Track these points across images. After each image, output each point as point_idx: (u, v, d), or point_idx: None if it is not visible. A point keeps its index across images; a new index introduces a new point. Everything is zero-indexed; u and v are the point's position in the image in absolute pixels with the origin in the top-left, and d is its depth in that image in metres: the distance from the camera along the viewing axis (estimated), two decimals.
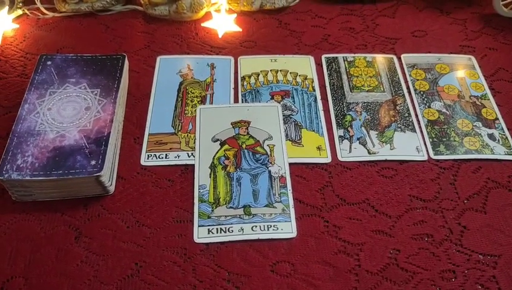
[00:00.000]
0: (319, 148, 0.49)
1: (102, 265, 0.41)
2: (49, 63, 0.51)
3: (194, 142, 0.49)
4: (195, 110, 0.52)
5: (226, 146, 0.49)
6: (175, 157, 0.48)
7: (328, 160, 0.49)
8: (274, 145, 0.49)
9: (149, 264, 0.41)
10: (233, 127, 0.50)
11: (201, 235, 0.43)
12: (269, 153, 0.48)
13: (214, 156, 0.48)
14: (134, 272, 0.41)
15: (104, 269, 0.41)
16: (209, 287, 0.40)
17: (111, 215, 0.44)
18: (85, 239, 0.42)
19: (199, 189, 0.46)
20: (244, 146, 0.49)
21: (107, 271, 0.41)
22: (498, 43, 0.61)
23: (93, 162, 0.43)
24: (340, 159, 0.49)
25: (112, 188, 0.45)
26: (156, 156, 0.48)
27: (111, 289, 0.40)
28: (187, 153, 0.48)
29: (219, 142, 0.49)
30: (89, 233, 0.43)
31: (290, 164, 0.48)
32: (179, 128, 0.50)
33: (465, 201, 0.46)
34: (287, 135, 0.50)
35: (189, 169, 0.47)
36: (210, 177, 0.46)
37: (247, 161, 0.47)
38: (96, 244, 0.42)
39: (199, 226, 0.43)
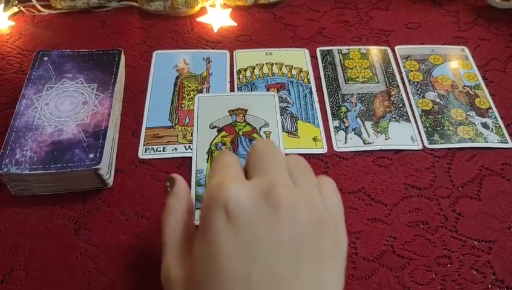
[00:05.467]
0: (315, 139, 0.50)
1: (102, 257, 0.41)
2: (46, 58, 0.51)
3: (191, 135, 0.49)
4: (192, 104, 0.52)
5: (223, 133, 0.49)
6: (173, 150, 0.48)
7: (324, 150, 0.49)
8: (270, 132, 0.49)
9: (149, 255, 0.42)
10: (230, 114, 0.51)
11: (197, 217, 0.43)
12: (265, 139, 0.49)
13: (211, 142, 0.49)
14: (134, 263, 0.41)
15: (104, 260, 0.41)
16: None
17: (109, 208, 0.44)
18: (85, 232, 0.43)
19: (196, 173, 0.46)
20: (241, 133, 0.49)
21: (107, 263, 0.41)
22: (491, 34, 0.62)
23: (91, 155, 0.43)
24: (336, 149, 0.49)
25: (110, 181, 0.46)
26: (154, 149, 0.48)
27: (111, 280, 0.40)
28: (185, 146, 0.49)
29: (216, 129, 0.50)
30: (89, 226, 0.43)
31: (287, 155, 0.48)
32: (176, 122, 0.51)
33: (460, 189, 0.46)
34: (283, 127, 0.50)
35: (186, 162, 0.48)
36: (207, 162, 0.47)
37: (244, 147, 0.48)
38: (95, 236, 0.43)
39: (196, 209, 0.44)
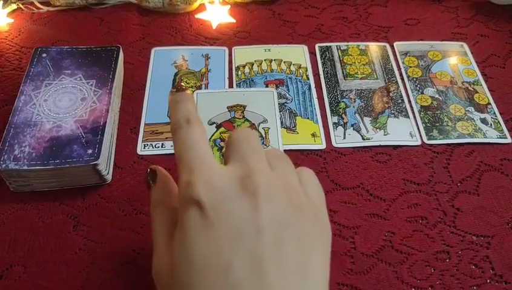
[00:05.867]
0: (313, 135, 0.50)
1: (100, 252, 0.41)
2: (44, 55, 0.51)
3: None
4: None
5: (222, 129, 0.50)
6: (171, 146, 0.48)
7: (323, 146, 0.49)
8: (269, 128, 0.49)
9: (147, 251, 0.42)
10: (229, 110, 0.51)
11: None
12: (263, 135, 0.49)
13: (210, 138, 0.49)
14: (132, 259, 0.41)
15: (102, 256, 0.41)
16: None
17: (108, 204, 0.44)
18: (83, 227, 0.43)
19: None
20: None
21: (105, 258, 0.41)
22: (490, 30, 0.62)
23: (90, 151, 0.43)
24: (334, 145, 0.49)
25: (109, 177, 0.46)
26: (152, 146, 0.48)
27: (109, 275, 0.40)
28: None
29: (215, 125, 0.50)
30: (87, 221, 0.43)
31: (286, 151, 0.48)
32: None
33: (458, 184, 0.46)
34: (282, 123, 0.50)
35: None
36: None
37: None
38: (94, 232, 0.43)
39: None
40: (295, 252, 0.26)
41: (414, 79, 0.55)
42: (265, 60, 0.57)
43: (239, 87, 0.54)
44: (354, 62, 0.57)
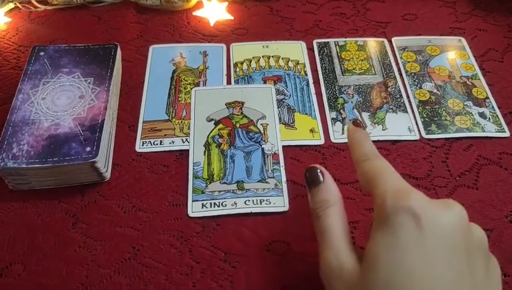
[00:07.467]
0: (312, 130, 0.50)
1: (100, 250, 0.41)
2: (42, 53, 0.51)
3: (188, 128, 0.49)
4: (189, 97, 0.52)
5: (220, 125, 0.50)
6: (170, 143, 0.48)
7: (322, 142, 0.49)
8: (267, 124, 0.49)
9: (146, 247, 0.42)
10: (227, 107, 0.51)
11: (195, 209, 0.43)
12: (262, 131, 0.49)
13: (208, 135, 0.49)
14: (132, 256, 0.41)
15: (101, 253, 0.41)
16: (206, 267, 0.40)
17: (107, 202, 0.45)
18: (82, 225, 0.43)
19: (193, 166, 0.46)
20: (238, 125, 0.49)
21: (104, 255, 0.41)
22: (488, 24, 0.61)
23: (88, 149, 0.43)
24: (333, 140, 0.49)
25: (108, 175, 0.46)
26: (151, 143, 0.48)
27: (108, 272, 0.40)
28: (182, 139, 0.49)
29: (213, 121, 0.50)
30: (86, 219, 0.43)
31: (284, 147, 0.48)
32: (173, 115, 0.51)
33: (457, 178, 0.46)
34: (280, 119, 0.50)
35: (183, 155, 0.48)
36: (204, 154, 0.47)
37: (241, 139, 0.48)
38: (93, 230, 0.43)
39: (193, 201, 0.44)
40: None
41: (413, 74, 0.55)
42: (263, 56, 0.57)
43: (238, 83, 0.54)
44: (352, 58, 0.57)
